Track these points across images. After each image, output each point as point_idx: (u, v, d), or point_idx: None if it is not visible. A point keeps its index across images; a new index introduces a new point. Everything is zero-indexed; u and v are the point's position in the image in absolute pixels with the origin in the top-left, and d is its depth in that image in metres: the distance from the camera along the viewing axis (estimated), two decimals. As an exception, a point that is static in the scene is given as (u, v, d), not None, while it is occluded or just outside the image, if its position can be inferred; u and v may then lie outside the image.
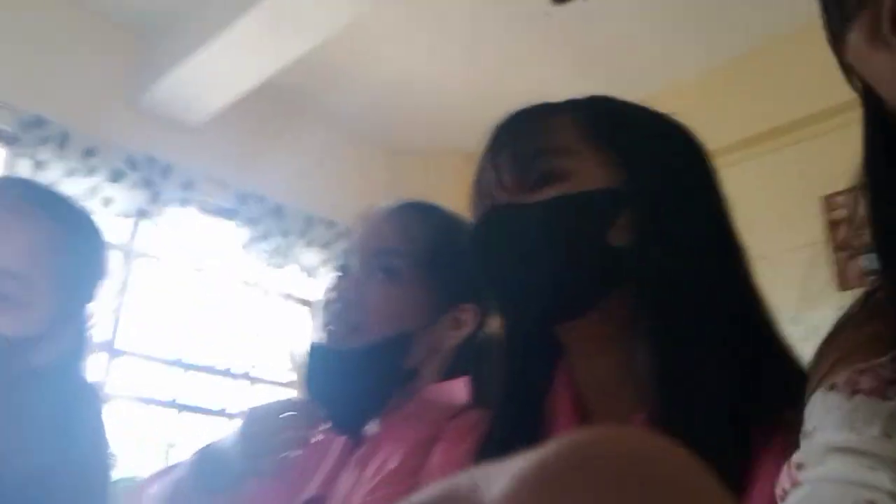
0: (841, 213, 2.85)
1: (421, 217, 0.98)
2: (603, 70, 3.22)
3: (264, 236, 3.25)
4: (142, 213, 2.87)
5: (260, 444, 0.89)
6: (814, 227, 2.90)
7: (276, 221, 3.30)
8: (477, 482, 0.20)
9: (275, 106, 3.47)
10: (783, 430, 0.53)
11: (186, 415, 3.04)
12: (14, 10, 2.77)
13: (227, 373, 3.23)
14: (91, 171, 2.76)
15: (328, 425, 0.92)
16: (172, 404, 3.01)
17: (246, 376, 3.27)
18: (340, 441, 0.96)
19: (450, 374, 0.97)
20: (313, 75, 3.32)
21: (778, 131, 3.08)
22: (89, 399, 1.01)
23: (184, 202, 3.01)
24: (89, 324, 1.01)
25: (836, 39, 0.45)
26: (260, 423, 0.90)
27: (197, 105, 3.05)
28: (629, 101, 0.73)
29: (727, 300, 0.61)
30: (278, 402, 0.94)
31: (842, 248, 2.80)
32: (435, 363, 0.95)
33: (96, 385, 1.09)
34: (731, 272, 0.64)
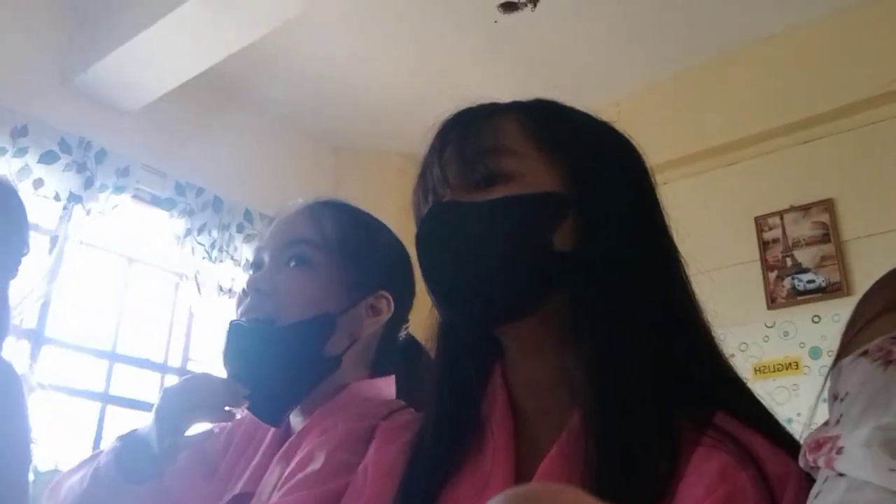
0: (773, 234, 2.96)
1: (332, 211, 0.98)
2: (547, 79, 3.27)
3: (201, 229, 3.18)
4: (74, 199, 2.77)
5: (176, 420, 0.86)
6: (748, 246, 3.00)
7: (213, 214, 3.24)
8: None
9: (216, 95, 3.39)
10: (712, 431, 0.55)
11: (116, 408, 2.94)
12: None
13: (158, 366, 3.15)
14: (21, 152, 2.66)
15: (247, 404, 0.90)
16: (102, 396, 2.91)
17: (178, 370, 3.19)
18: (270, 437, 0.95)
19: (375, 372, 0.97)
20: (256, 66, 3.26)
21: (717, 150, 3.16)
22: (7, 379, 0.97)
23: (118, 189, 2.92)
24: (10, 302, 0.97)
25: None
26: (175, 399, 0.88)
27: (136, 89, 2.95)
28: (575, 107, 0.73)
29: (664, 307, 0.63)
30: (193, 377, 0.92)
31: (772, 268, 2.91)
32: (358, 355, 0.95)
33: (13, 366, 1.03)
34: (668, 280, 0.65)
